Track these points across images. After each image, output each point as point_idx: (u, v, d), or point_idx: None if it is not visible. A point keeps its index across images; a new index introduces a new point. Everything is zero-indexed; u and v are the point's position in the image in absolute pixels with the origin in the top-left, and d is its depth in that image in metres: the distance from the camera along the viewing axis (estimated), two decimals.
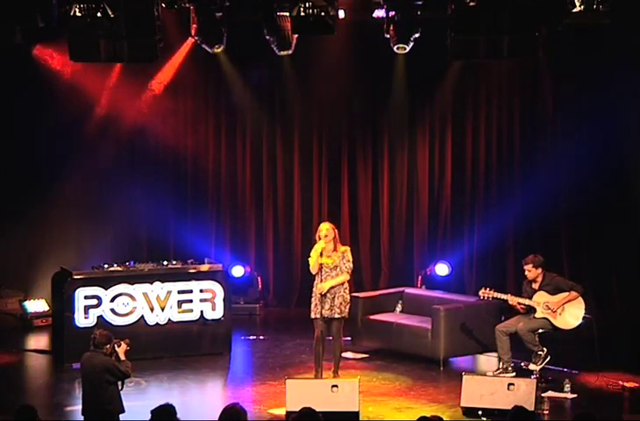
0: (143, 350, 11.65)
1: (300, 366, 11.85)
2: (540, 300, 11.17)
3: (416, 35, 11.59)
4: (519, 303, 11.24)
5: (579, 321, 11.15)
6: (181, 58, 14.73)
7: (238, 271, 15.01)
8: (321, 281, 10.81)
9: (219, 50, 12.23)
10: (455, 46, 11.43)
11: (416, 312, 12.56)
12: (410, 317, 12.49)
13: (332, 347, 10.95)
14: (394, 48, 11.84)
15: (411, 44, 11.74)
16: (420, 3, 11.40)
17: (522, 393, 9.82)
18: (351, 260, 10.96)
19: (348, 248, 11.03)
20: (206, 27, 11.78)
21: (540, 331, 11.18)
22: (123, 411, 8.81)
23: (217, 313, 12.46)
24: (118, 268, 12.33)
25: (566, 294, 11.16)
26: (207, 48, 12.20)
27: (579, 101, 14.75)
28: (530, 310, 11.23)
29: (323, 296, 10.76)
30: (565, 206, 14.91)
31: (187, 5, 11.66)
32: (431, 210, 15.37)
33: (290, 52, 11.91)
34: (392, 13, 11.55)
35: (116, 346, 8.97)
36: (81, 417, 8.92)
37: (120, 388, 8.92)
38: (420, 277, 14.97)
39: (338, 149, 15.46)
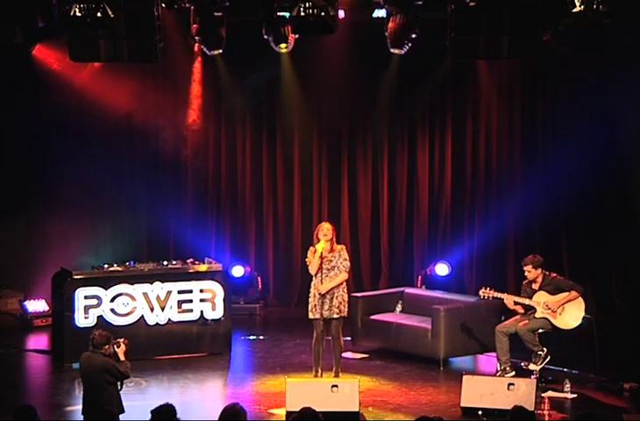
0: (143, 350, 11.66)
1: (300, 366, 11.84)
2: (540, 300, 11.16)
3: (413, 36, 11.62)
4: (516, 303, 11.20)
5: (579, 321, 11.13)
6: (199, 59, 14.76)
7: (238, 271, 15.00)
8: (321, 281, 10.80)
9: (217, 53, 12.24)
10: (455, 46, 11.45)
11: (416, 312, 12.54)
12: (410, 317, 12.48)
13: (332, 347, 10.95)
14: (391, 49, 11.88)
15: (408, 45, 11.78)
16: (420, 3, 11.41)
17: (522, 393, 9.82)
18: (347, 258, 10.96)
19: (344, 247, 11.04)
20: (206, 27, 11.79)
21: (540, 331, 11.17)
22: (123, 411, 8.81)
23: (217, 313, 12.45)
24: (118, 268, 12.33)
25: (566, 294, 11.15)
26: (205, 50, 12.21)
27: (579, 101, 14.75)
28: (530, 310, 11.22)
29: (322, 296, 10.77)
30: (565, 206, 14.92)
31: (187, 5, 11.67)
32: (431, 210, 15.37)
33: (290, 47, 11.90)
34: (392, 13, 11.59)
35: (115, 346, 8.97)
36: (82, 417, 8.91)
37: (120, 388, 8.92)
38: (420, 277, 14.97)
39: (338, 149, 15.45)
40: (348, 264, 10.95)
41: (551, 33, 12.18)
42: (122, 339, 9.06)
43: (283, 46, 11.86)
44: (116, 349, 8.96)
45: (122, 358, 8.96)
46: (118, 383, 8.90)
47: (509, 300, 11.21)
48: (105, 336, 8.98)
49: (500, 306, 11.88)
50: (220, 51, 12.16)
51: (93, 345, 8.92)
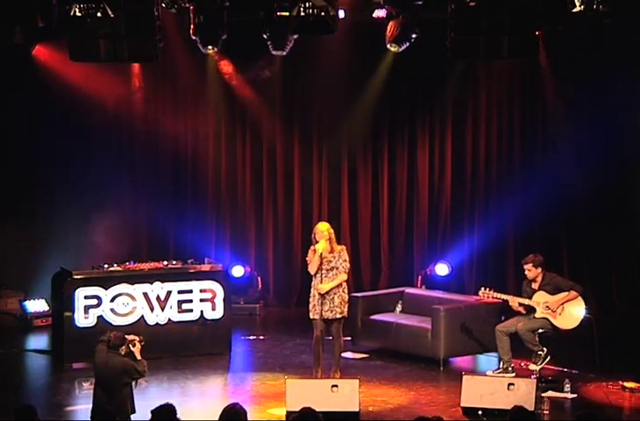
0: (143, 350, 11.62)
1: (300, 366, 11.84)
2: (540, 300, 11.16)
3: (414, 35, 11.62)
4: (519, 303, 11.21)
5: (579, 321, 11.14)
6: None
7: (238, 271, 15.00)
8: (321, 281, 10.81)
9: (211, 51, 12.23)
10: (455, 46, 11.44)
11: (416, 312, 12.54)
12: (410, 317, 12.48)
13: (332, 347, 10.95)
14: (388, 46, 11.89)
15: (406, 44, 11.79)
16: (420, 3, 11.42)
17: (522, 393, 9.82)
18: (347, 259, 10.96)
19: (344, 247, 11.04)
20: (205, 27, 11.78)
21: (540, 331, 11.18)
22: (134, 412, 8.81)
23: (217, 313, 12.45)
24: (118, 268, 12.32)
25: (566, 293, 11.16)
26: (201, 47, 12.20)
27: (580, 101, 14.75)
28: (530, 309, 11.22)
29: (322, 296, 10.76)
30: (565, 206, 14.92)
31: (187, 5, 11.66)
32: (431, 210, 15.37)
33: (284, 53, 11.92)
34: (392, 13, 11.60)
35: (131, 345, 8.94)
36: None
37: (135, 386, 8.91)
38: (420, 277, 14.97)
39: (338, 149, 15.46)
40: (348, 265, 10.95)
41: (548, 34, 12.21)
42: (137, 338, 9.03)
43: (279, 52, 11.89)
44: (132, 348, 8.94)
45: (138, 357, 8.95)
46: (133, 383, 8.89)
47: (515, 302, 11.21)
48: (120, 337, 8.96)
49: (500, 306, 11.89)
50: (216, 49, 12.15)
51: (109, 346, 8.89)
